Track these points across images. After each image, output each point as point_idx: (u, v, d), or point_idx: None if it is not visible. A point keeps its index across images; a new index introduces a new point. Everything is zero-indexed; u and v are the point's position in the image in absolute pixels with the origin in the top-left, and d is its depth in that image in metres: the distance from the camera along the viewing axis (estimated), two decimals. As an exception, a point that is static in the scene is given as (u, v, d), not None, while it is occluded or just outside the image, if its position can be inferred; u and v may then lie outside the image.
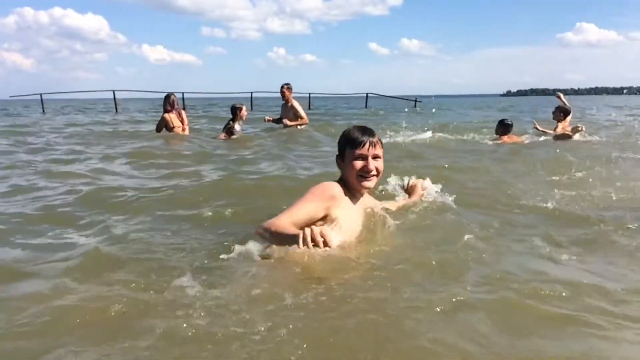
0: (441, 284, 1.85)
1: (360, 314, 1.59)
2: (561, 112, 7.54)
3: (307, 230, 1.77)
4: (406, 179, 3.01)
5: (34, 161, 5.64)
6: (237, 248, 2.17)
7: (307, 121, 8.41)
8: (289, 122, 8.19)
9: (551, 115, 7.85)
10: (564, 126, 7.39)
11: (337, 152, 2.39)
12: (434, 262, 2.02)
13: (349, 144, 2.28)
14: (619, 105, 24.02)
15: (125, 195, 3.52)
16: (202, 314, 1.57)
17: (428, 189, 2.96)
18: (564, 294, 1.76)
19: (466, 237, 2.30)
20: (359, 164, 2.25)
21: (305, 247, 1.75)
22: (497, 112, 19.93)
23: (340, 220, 2.15)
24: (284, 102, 8.37)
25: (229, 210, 3.02)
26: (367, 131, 2.31)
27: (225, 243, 2.36)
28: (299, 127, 8.21)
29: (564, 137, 6.83)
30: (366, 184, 2.28)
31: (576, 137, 6.77)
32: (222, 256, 2.16)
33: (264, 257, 2.10)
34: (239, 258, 2.11)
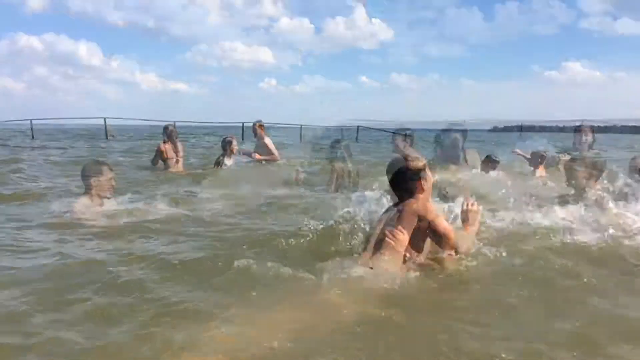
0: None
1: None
2: (538, 158, 7.46)
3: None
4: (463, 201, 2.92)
5: (18, 189, 5.42)
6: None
7: (278, 158, 8.46)
8: (258, 157, 8.24)
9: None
10: (540, 170, 7.26)
11: (408, 185, 2.66)
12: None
13: (425, 171, 2.68)
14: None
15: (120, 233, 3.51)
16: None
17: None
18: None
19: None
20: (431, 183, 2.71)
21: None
22: (496, 147, 19.78)
23: None
24: (256, 138, 8.52)
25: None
26: None
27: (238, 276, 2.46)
28: (272, 162, 8.27)
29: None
30: None
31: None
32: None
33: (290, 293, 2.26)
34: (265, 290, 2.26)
